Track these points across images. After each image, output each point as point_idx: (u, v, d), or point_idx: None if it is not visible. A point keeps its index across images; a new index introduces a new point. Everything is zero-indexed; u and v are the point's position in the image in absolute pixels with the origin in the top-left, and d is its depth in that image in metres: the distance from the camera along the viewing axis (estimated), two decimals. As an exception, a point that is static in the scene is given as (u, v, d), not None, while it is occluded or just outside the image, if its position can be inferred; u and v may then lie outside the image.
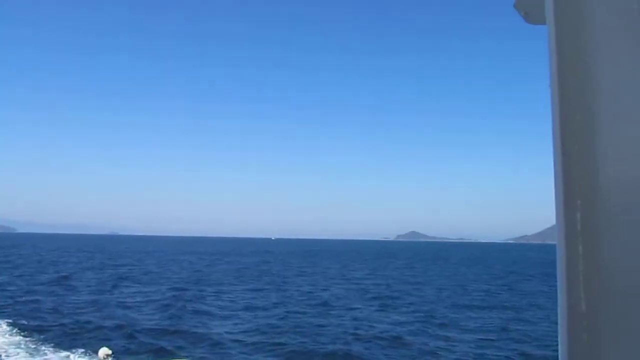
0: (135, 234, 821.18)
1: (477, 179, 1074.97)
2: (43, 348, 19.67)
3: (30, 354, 18.71)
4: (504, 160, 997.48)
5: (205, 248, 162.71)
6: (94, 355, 15.17)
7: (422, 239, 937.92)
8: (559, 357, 0.94)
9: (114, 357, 14.57)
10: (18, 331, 22.52)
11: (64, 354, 18.85)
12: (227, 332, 24.13)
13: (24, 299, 32.65)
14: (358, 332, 24.10)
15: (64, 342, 20.71)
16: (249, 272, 61.65)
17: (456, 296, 39.97)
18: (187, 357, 17.34)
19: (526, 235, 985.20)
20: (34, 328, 23.38)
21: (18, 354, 18.72)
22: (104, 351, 14.16)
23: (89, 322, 25.14)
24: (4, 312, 27.41)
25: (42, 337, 21.51)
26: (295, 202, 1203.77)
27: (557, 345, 0.92)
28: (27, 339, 21.07)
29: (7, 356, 18.31)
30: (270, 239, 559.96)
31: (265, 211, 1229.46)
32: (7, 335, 21.60)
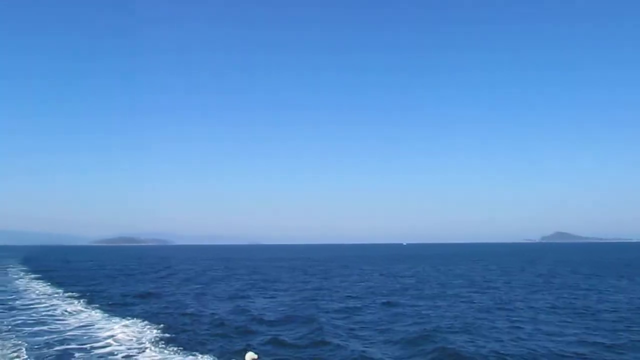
0: (273, 243, 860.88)
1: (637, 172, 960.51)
2: (191, 352, 19.55)
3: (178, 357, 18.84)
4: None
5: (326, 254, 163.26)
6: (241, 359, 15.01)
7: (570, 240, 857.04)
8: None
9: None
10: (164, 336, 22.81)
11: (211, 357, 18.76)
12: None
13: (173, 304, 34.29)
14: None
15: (210, 347, 20.58)
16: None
17: None
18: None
19: None
20: (179, 332, 23.89)
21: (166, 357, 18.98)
22: (250, 355, 14.33)
23: (235, 326, 25.36)
24: (153, 317, 28.35)
25: (189, 340, 21.74)
26: (428, 206, 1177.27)
27: None
28: (172, 343, 21.17)
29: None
30: (402, 244, 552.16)
31: (398, 217, 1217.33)
32: (154, 340, 21.88)
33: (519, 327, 25.14)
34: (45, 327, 24.92)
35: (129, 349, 20.21)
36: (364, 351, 20.24)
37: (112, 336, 22.58)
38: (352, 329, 25.10)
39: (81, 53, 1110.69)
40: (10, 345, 20.64)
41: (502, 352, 19.83)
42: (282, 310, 31.53)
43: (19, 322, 26.32)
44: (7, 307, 32.65)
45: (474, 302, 34.85)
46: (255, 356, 14.32)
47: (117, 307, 32.12)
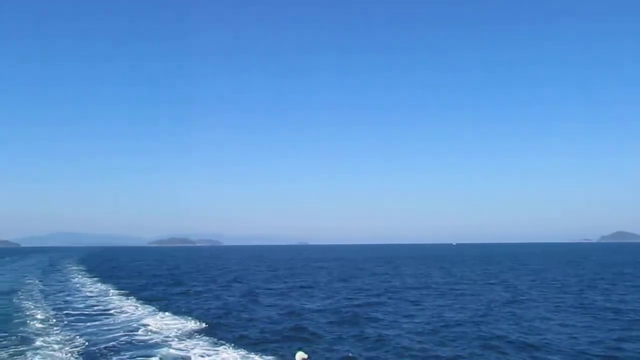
0: (321, 243, 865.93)
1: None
2: (240, 351, 20.02)
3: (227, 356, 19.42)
4: None
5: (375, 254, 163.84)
6: (291, 358, 15.39)
7: (632, 240, 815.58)
8: None
9: None
10: (200, 328, 24.92)
11: (260, 357, 19.14)
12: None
13: (213, 301, 36.57)
14: None
15: (261, 346, 21.09)
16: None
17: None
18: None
19: None
20: (215, 325, 25.26)
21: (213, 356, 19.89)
22: (300, 355, 14.32)
23: (283, 326, 26.09)
24: (192, 312, 30.54)
25: (224, 333, 22.61)
26: (478, 204, 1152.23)
27: None
28: (222, 341, 21.95)
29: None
30: (452, 244, 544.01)
31: (449, 216, 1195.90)
32: (189, 331, 24.28)
33: (525, 324, 26.37)
34: (96, 321, 27.94)
35: (166, 337, 22.80)
36: (385, 339, 22.36)
37: (153, 328, 25.30)
38: (375, 324, 26.84)
39: (125, 57, 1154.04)
40: (66, 334, 23.64)
41: (503, 349, 21.23)
42: (317, 306, 33.50)
43: (73, 317, 29.37)
44: (63, 302, 36.26)
45: (490, 300, 36.24)
46: (305, 356, 14.43)
47: (162, 303, 34.99)
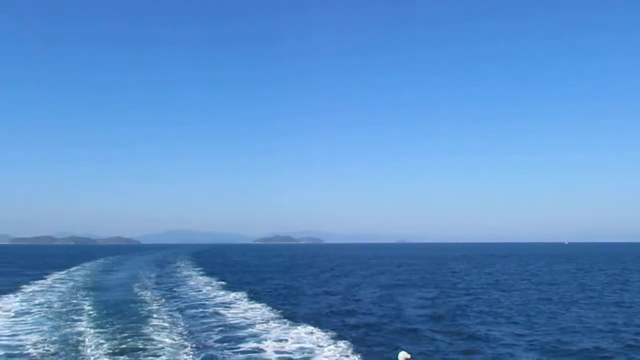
0: (421, 241, 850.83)
1: None
2: (340, 349, 20.07)
3: (329, 353, 19.51)
4: None
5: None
6: (394, 358, 15.38)
7: None
8: None
9: None
10: (320, 332, 26.73)
11: (364, 357, 18.98)
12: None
13: (314, 297, 38.40)
14: None
15: (362, 345, 20.73)
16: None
17: None
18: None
19: None
20: (331, 329, 25.46)
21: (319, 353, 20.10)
22: (403, 355, 14.27)
23: (383, 325, 26.40)
24: (279, 300, 33.80)
25: (339, 337, 22.11)
26: (597, 199, 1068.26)
27: None
28: (325, 339, 22.17)
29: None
30: (564, 243, 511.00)
31: (561, 214, 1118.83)
32: (276, 317, 27.19)
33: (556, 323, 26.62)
34: (197, 306, 31.85)
35: (252, 322, 25.88)
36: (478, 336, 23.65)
37: (242, 314, 28.78)
38: (468, 322, 28.03)
39: (228, 61, 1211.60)
40: (173, 318, 27.46)
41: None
42: (410, 303, 34.42)
43: (180, 303, 33.55)
44: (172, 291, 41.27)
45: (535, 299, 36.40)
46: (409, 356, 14.21)
47: (253, 293, 38.54)
